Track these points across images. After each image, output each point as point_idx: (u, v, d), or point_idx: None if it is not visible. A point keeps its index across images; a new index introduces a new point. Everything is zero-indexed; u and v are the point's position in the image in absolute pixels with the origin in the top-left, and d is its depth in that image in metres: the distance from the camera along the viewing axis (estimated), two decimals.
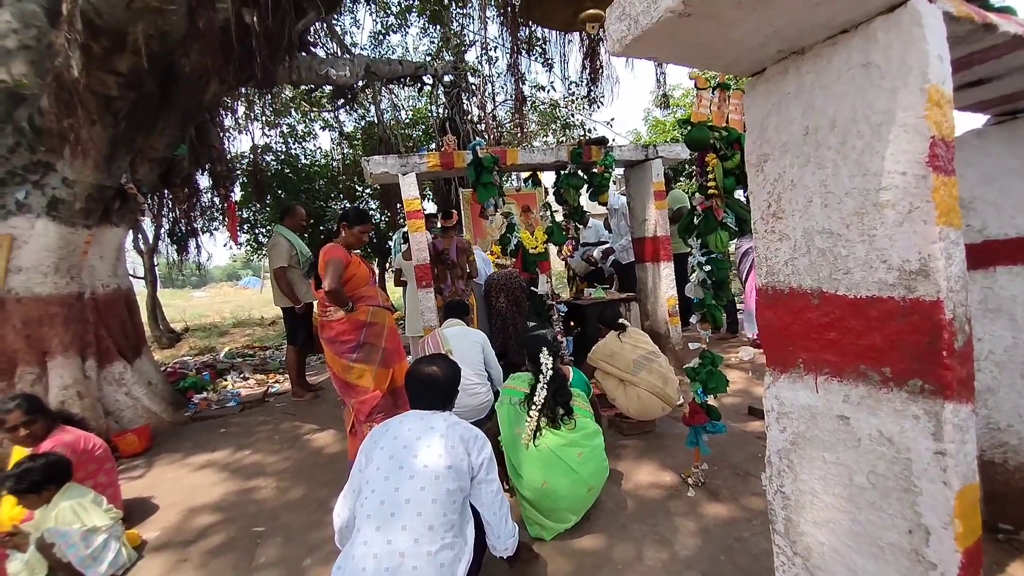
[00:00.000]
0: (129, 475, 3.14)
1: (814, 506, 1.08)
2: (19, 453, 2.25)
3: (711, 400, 2.38)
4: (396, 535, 1.45)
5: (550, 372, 2.24)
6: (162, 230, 7.90)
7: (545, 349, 2.28)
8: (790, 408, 1.12)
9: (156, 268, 8.66)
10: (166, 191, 5.64)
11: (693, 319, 2.42)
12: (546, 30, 6.29)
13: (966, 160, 1.78)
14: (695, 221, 2.30)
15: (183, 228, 7.26)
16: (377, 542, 1.45)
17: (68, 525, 1.98)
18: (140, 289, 6.17)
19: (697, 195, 2.31)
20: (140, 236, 8.05)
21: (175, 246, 7.73)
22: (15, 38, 3.73)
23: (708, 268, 2.30)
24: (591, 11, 1.87)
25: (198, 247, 7.77)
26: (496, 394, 3.14)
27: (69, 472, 2.11)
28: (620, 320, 3.13)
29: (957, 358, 0.85)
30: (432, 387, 1.76)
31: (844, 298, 0.99)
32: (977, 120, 1.78)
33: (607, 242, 5.66)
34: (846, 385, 1.00)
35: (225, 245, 13.56)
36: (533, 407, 2.19)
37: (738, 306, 5.77)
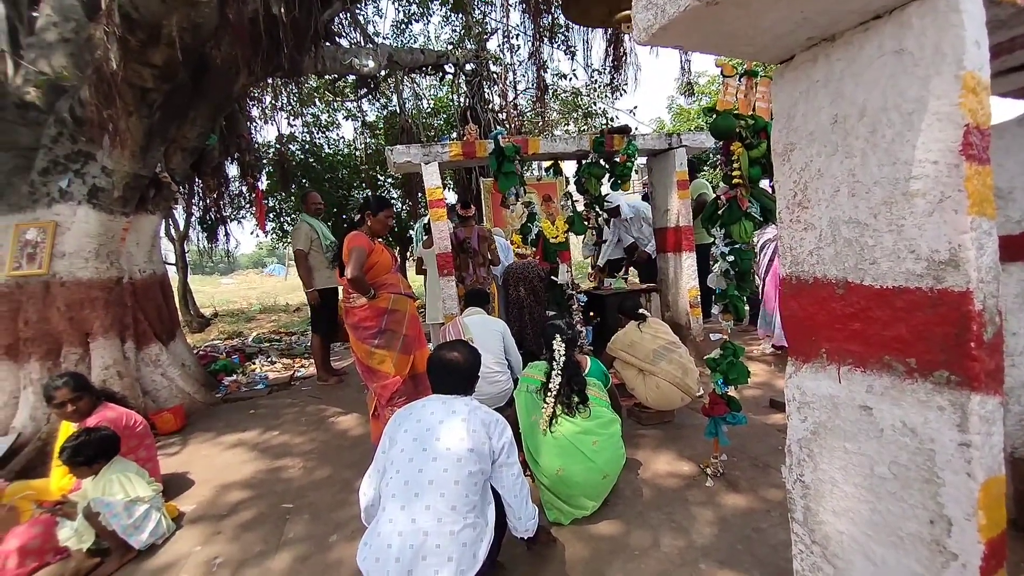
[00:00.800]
0: (166, 451, 3.29)
1: (834, 495, 1.09)
2: (67, 428, 2.39)
3: (732, 391, 2.37)
4: (420, 514, 1.51)
5: (563, 359, 2.27)
6: (193, 218, 8.16)
7: (558, 336, 2.30)
8: (812, 398, 1.12)
9: (187, 255, 8.96)
10: (197, 180, 5.80)
11: (715, 310, 2.40)
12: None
13: (1006, 148, 1.72)
14: (719, 211, 2.27)
15: (213, 216, 7.47)
16: (402, 520, 1.51)
17: (113, 496, 2.11)
18: (172, 275, 6.40)
19: (722, 184, 2.28)
20: (172, 224, 8.33)
21: (205, 234, 7.96)
22: (55, 31, 3.87)
23: (731, 258, 2.28)
24: (627, 12, 1.87)
25: (227, 234, 7.99)
26: (516, 382, 3.18)
27: (118, 447, 2.24)
28: (640, 310, 3.12)
29: (986, 349, 0.84)
30: (453, 372, 1.80)
31: (870, 288, 0.98)
32: (1019, 107, 1.71)
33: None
34: (870, 375, 1.00)
35: (252, 233, 13.90)
36: (549, 394, 2.23)
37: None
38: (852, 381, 1.03)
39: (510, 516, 1.72)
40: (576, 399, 2.23)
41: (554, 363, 2.27)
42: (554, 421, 2.19)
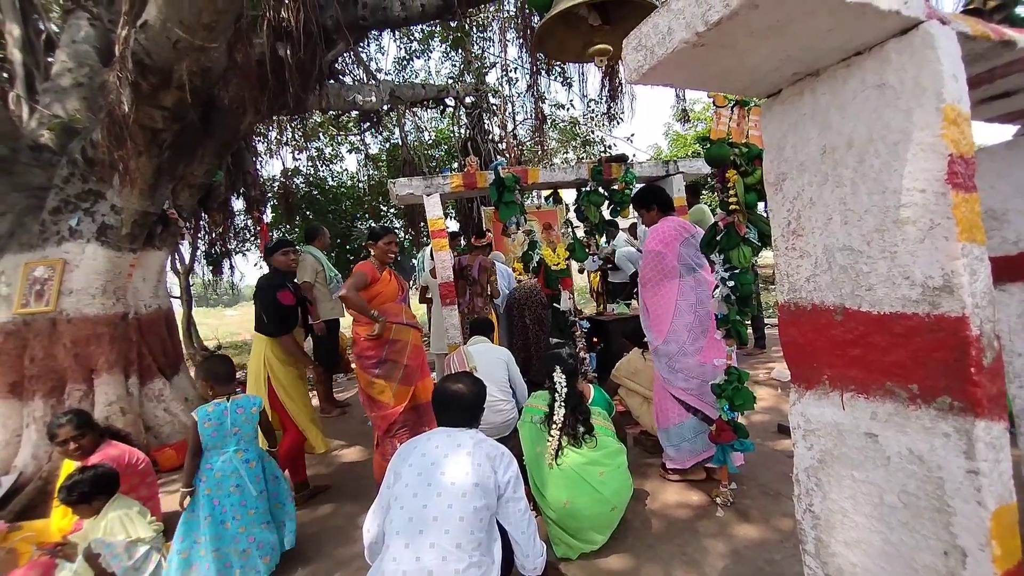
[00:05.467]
0: (168, 488, 3.25)
1: (844, 526, 1.06)
2: (69, 466, 2.37)
3: (739, 417, 2.35)
4: (424, 552, 1.48)
5: (564, 390, 2.25)
6: (198, 251, 8.27)
7: (558, 367, 2.28)
8: (817, 425, 1.11)
9: (191, 288, 9.04)
10: (203, 215, 5.91)
11: (717, 335, 2.40)
12: None
13: (997, 171, 1.75)
14: (717, 236, 2.30)
15: (218, 249, 7.57)
16: (406, 559, 1.48)
17: (114, 536, 2.07)
18: (176, 308, 6.45)
19: (719, 211, 2.32)
20: (177, 257, 8.44)
21: (210, 267, 8.05)
22: (70, 76, 4.03)
23: (731, 283, 2.29)
24: (598, 46, 1.98)
25: (231, 267, 8.08)
26: (521, 411, 3.15)
27: (117, 483, 2.21)
28: (643, 337, 3.11)
29: (987, 375, 0.84)
30: (458, 405, 1.80)
31: (868, 314, 0.99)
32: (1007, 131, 1.75)
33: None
34: (873, 402, 0.99)
35: (256, 265, 14.04)
36: (553, 426, 2.20)
37: (767, 321, 5.64)
38: (856, 408, 1.03)
39: (517, 553, 1.68)
40: (582, 429, 2.20)
41: (556, 394, 2.25)
42: (560, 453, 2.16)
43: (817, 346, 1.10)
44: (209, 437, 2.19)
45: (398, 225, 9.96)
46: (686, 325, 2.49)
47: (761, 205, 2.37)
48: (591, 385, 2.49)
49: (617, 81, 6.32)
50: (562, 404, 2.22)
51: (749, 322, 4.58)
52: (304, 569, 2.26)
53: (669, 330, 2.50)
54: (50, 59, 4.30)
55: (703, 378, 2.49)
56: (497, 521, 1.65)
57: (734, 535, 2.15)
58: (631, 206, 2.94)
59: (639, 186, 4.55)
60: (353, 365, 2.97)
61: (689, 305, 2.50)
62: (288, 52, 3.80)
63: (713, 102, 2.23)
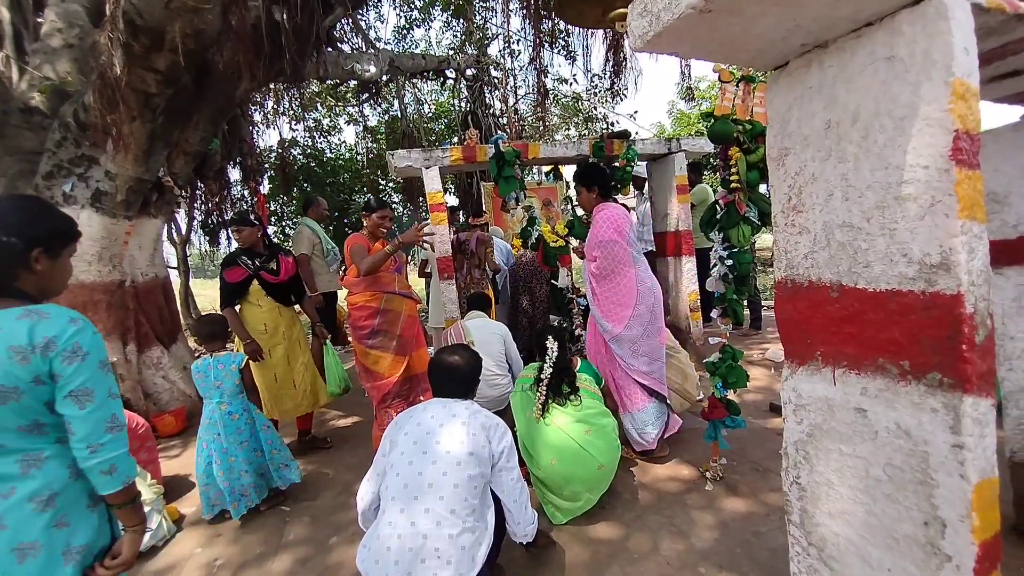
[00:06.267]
0: (167, 454, 3.30)
1: (830, 497, 1.09)
2: None
3: (731, 395, 2.38)
4: (419, 517, 1.51)
5: (555, 354, 2.32)
6: (195, 222, 8.20)
7: (551, 336, 2.37)
8: (807, 400, 1.13)
9: (188, 258, 8.99)
10: (199, 184, 5.84)
11: (714, 314, 2.41)
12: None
13: (1002, 154, 1.73)
14: (717, 215, 2.28)
15: (215, 220, 7.50)
16: (401, 523, 1.51)
17: None
18: (174, 279, 6.43)
19: (720, 189, 2.30)
20: (174, 227, 8.37)
21: (207, 237, 7.99)
22: (60, 37, 3.91)
23: (730, 262, 2.29)
24: (620, 10, 1.89)
25: (229, 238, 8.02)
26: None
27: None
28: None
29: (978, 352, 0.85)
30: (454, 376, 1.81)
31: (864, 292, 0.99)
32: (1016, 112, 1.72)
33: None
34: (864, 378, 1.00)
35: None
36: (541, 383, 2.28)
37: (764, 303, 5.66)
38: (847, 384, 1.04)
39: (509, 521, 1.72)
40: (567, 389, 2.28)
41: (546, 359, 2.32)
42: (547, 411, 2.23)
43: (812, 323, 1.10)
44: (200, 387, 2.44)
45: (396, 200, 9.86)
46: (649, 308, 2.56)
47: (763, 188, 2.36)
48: (578, 358, 2.54)
49: (622, 55, 6.19)
50: (551, 366, 2.30)
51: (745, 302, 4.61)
52: (303, 532, 2.32)
53: (632, 315, 2.54)
54: (39, 19, 4.17)
55: (661, 359, 2.63)
56: (491, 489, 1.69)
57: (722, 508, 2.20)
58: (576, 181, 2.88)
59: (641, 164, 4.53)
60: (350, 337, 2.97)
61: (647, 289, 2.58)
62: (284, 16, 3.69)
63: (719, 77, 2.18)
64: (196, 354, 5.49)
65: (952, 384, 0.86)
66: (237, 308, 2.98)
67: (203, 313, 9.27)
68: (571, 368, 2.38)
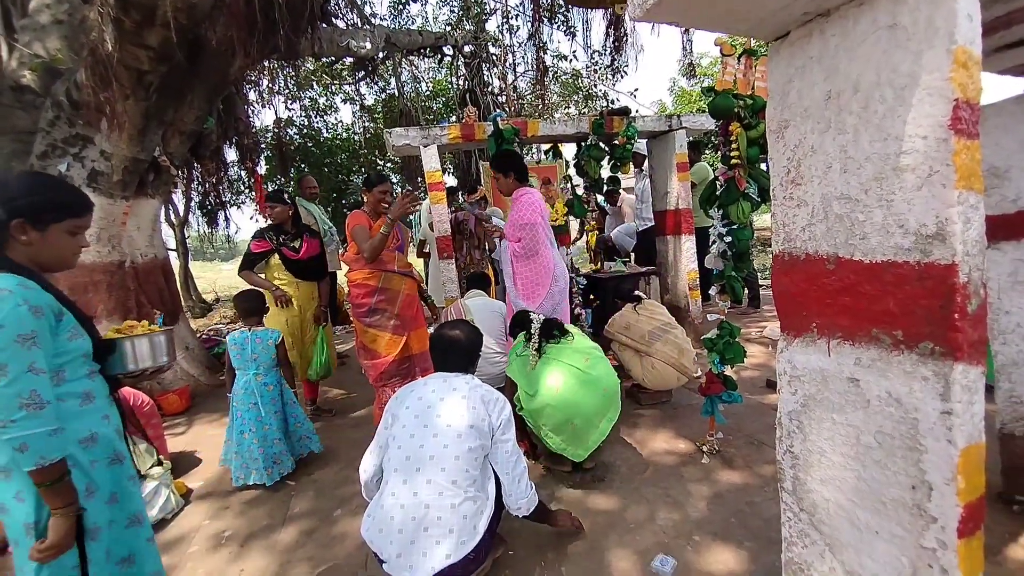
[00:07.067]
0: (172, 431, 3.35)
1: (821, 465, 1.12)
2: None
3: (728, 371, 2.41)
4: (421, 488, 1.55)
5: (541, 318, 2.42)
6: (192, 203, 8.16)
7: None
8: (802, 371, 1.15)
9: (187, 240, 8.97)
10: (196, 164, 5.79)
11: (712, 291, 2.42)
12: None
13: (1003, 127, 1.72)
14: (717, 191, 2.28)
15: (212, 201, 7.46)
16: (404, 494, 1.56)
17: None
18: (173, 260, 6.42)
19: (720, 165, 2.29)
20: (172, 209, 8.33)
21: (205, 219, 7.96)
22: (48, 13, 3.82)
23: (729, 239, 2.29)
24: None
25: (227, 219, 7.99)
26: None
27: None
28: (636, 292, 3.15)
29: (970, 321, 0.86)
30: (455, 350, 1.84)
31: (860, 263, 1.00)
32: (1018, 85, 1.71)
33: None
34: (858, 348, 1.02)
35: (252, 218, 13.88)
36: (531, 339, 2.35)
37: (761, 281, 5.68)
38: (841, 354, 1.06)
39: (504, 493, 1.71)
40: (557, 332, 2.37)
41: (531, 323, 2.41)
42: (541, 351, 2.30)
43: (808, 295, 1.11)
44: (234, 358, 2.58)
45: (395, 179, 9.78)
46: (560, 289, 2.72)
47: (764, 165, 2.35)
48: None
49: (622, 31, 6.07)
50: (538, 323, 2.37)
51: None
52: (307, 505, 2.37)
53: (546, 295, 2.72)
54: None
55: None
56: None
57: (717, 480, 2.25)
58: (491, 165, 3.00)
59: (641, 142, 4.48)
60: (351, 317, 3.00)
61: (561, 272, 2.75)
62: None
63: (720, 51, 2.15)
64: (198, 334, 5.54)
65: (943, 352, 0.88)
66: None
67: (208, 302, 9.34)
68: (557, 322, 2.46)
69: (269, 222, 3.33)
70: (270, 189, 8.64)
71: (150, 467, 2.33)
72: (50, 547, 1.11)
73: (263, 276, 3.25)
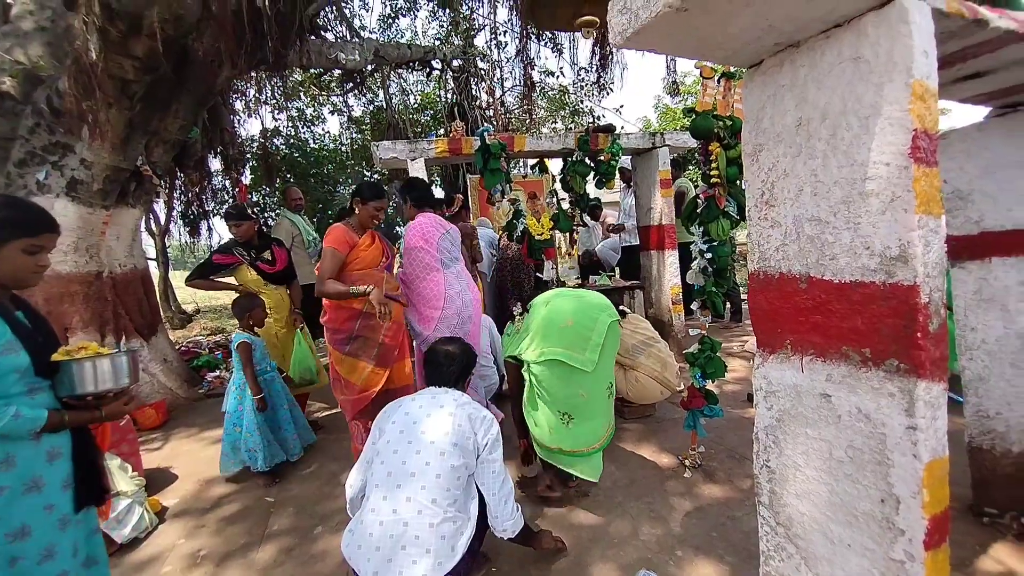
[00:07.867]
0: (148, 446, 3.27)
1: (796, 479, 1.15)
2: None
3: (709, 385, 2.44)
4: (401, 505, 1.53)
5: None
6: (174, 212, 8.04)
7: (519, 304, 2.61)
8: (777, 387, 1.18)
9: (168, 250, 8.82)
10: (179, 173, 5.72)
11: (694, 306, 2.47)
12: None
13: (967, 152, 1.80)
14: (698, 209, 2.34)
15: (195, 211, 7.37)
16: (384, 510, 1.54)
17: None
18: (153, 271, 6.31)
19: (700, 183, 2.35)
20: (153, 218, 8.20)
21: (187, 228, 7.85)
22: (31, 20, 3.78)
23: (709, 255, 2.34)
24: (586, 18, 2.00)
25: (209, 229, 7.89)
26: (502, 378, 3.23)
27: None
28: (620, 307, 3.19)
29: (931, 339, 0.90)
30: (448, 364, 1.84)
31: (830, 283, 1.04)
32: (981, 112, 1.79)
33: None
34: (829, 365, 1.06)
35: None
36: (517, 317, 2.44)
37: (743, 295, 5.78)
38: (814, 371, 1.09)
39: (489, 514, 1.68)
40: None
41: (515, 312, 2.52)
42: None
43: (782, 313, 1.15)
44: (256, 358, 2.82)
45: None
46: (456, 311, 2.57)
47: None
48: None
49: (608, 50, 6.21)
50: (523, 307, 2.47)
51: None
52: (287, 522, 2.32)
53: (440, 317, 2.55)
54: (8, 0, 4.03)
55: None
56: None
57: (700, 494, 2.27)
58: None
59: (625, 158, 4.57)
60: (326, 343, 2.71)
61: (456, 293, 2.60)
62: (266, 2, 3.62)
63: (700, 73, 2.23)
64: (177, 346, 5.43)
65: (907, 370, 0.91)
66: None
67: (188, 313, 9.18)
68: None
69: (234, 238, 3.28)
70: (254, 199, 8.58)
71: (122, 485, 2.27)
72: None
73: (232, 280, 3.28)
